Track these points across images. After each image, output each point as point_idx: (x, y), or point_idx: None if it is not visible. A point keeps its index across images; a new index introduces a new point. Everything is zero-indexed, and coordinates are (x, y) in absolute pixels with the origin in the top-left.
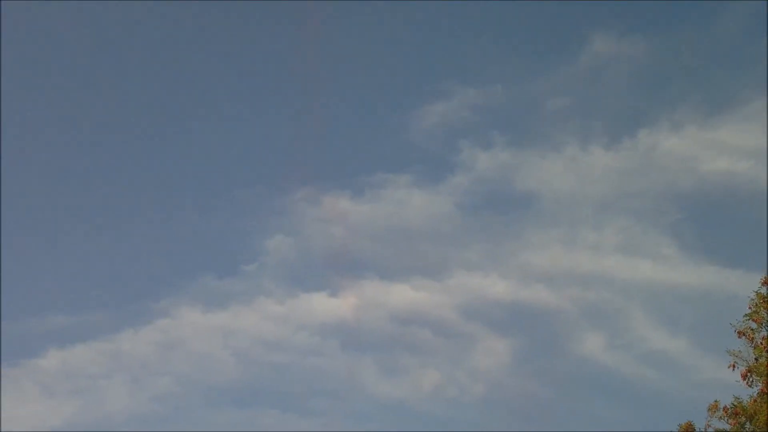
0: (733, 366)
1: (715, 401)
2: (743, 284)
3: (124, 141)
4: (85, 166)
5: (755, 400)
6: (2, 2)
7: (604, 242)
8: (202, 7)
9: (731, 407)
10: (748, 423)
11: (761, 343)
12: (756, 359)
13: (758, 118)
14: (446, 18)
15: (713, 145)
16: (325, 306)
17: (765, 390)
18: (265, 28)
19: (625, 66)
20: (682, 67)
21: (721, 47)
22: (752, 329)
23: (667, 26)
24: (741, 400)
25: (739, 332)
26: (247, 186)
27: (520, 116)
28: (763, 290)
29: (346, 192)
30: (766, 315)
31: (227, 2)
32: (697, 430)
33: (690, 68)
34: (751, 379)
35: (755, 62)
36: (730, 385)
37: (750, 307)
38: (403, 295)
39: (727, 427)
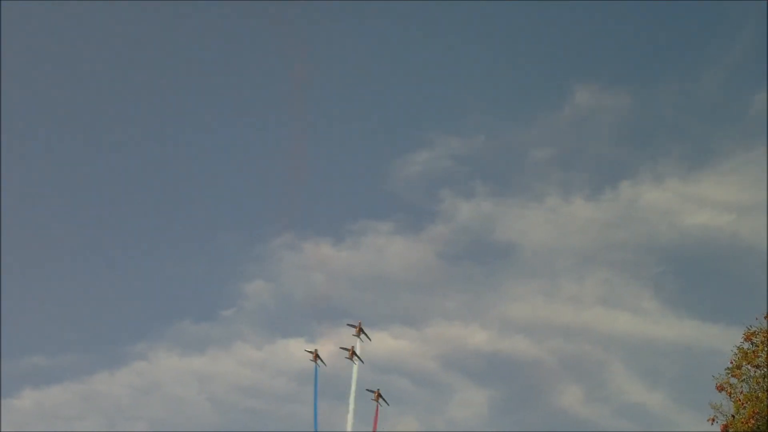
0: (713, 420)
1: None
2: (722, 338)
3: (102, 186)
4: (62, 212)
5: None
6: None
7: (585, 294)
8: (191, 52)
9: None
10: None
11: (740, 398)
12: (733, 416)
13: (739, 172)
14: (430, 67)
15: (694, 198)
16: (303, 353)
17: None
18: (247, 77)
19: (607, 118)
20: (665, 120)
21: (704, 101)
22: (731, 385)
23: (649, 80)
24: None
25: (718, 387)
26: (228, 231)
27: (503, 166)
28: (745, 345)
29: (326, 239)
30: (747, 370)
31: (211, 52)
32: None
33: (672, 121)
34: None
35: (737, 117)
36: None
37: (732, 362)
38: (382, 343)
39: None
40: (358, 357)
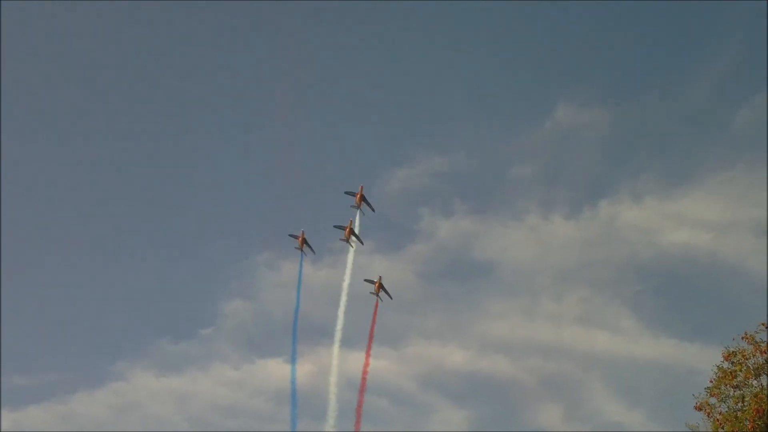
0: None
1: None
2: (701, 357)
3: (80, 206)
4: (36, 234)
5: None
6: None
7: (564, 313)
8: (177, 77)
9: None
10: None
11: (719, 418)
12: None
13: (719, 191)
14: (411, 84)
15: (674, 216)
16: (281, 372)
17: None
18: (230, 102)
19: (587, 136)
20: (645, 139)
21: (684, 120)
22: (710, 405)
23: (630, 97)
24: None
25: (697, 406)
26: (207, 251)
27: (483, 183)
28: (725, 365)
29: (304, 257)
30: (726, 390)
31: (196, 78)
32: None
33: (652, 140)
34: None
35: (717, 135)
36: None
37: (711, 381)
38: (361, 363)
39: None
40: (357, 237)
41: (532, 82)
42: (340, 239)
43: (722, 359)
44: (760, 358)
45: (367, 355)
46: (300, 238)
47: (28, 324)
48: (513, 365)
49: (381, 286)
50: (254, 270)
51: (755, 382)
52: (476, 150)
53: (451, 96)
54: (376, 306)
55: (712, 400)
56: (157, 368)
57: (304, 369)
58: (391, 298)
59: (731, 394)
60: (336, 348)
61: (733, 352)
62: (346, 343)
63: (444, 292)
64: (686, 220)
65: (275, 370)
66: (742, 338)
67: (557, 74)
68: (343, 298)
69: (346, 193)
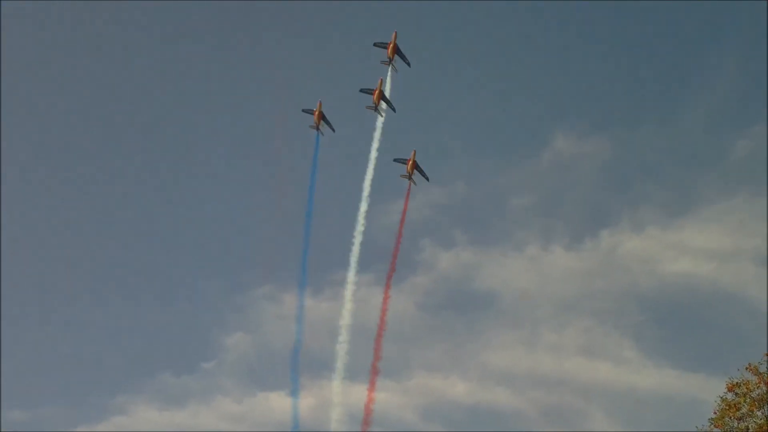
0: None
1: None
2: (704, 388)
3: (82, 236)
4: (39, 264)
5: None
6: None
7: (566, 343)
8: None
9: None
10: None
11: None
12: None
13: (720, 220)
14: (410, 115)
15: (675, 246)
16: (283, 405)
17: None
18: (224, 128)
19: (587, 165)
20: (645, 168)
21: (684, 148)
22: None
23: (629, 127)
24: None
25: None
26: (209, 283)
27: (483, 214)
28: (729, 396)
29: (305, 290)
30: (730, 422)
31: (184, 111)
32: None
33: (653, 169)
34: None
35: (717, 164)
36: None
37: (714, 412)
38: (363, 395)
39: None
40: (388, 102)
41: (531, 113)
42: (367, 107)
43: (726, 390)
44: (764, 390)
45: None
46: (316, 112)
47: (29, 357)
48: (515, 396)
49: (415, 165)
50: (255, 303)
51: (759, 413)
52: (476, 181)
53: (449, 126)
54: (408, 190)
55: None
56: (159, 402)
57: (306, 402)
58: (427, 179)
59: (735, 425)
60: (338, 382)
61: (737, 383)
62: (347, 374)
63: (445, 324)
64: (687, 249)
65: (277, 404)
66: (746, 369)
67: (556, 105)
68: (354, 253)
69: (376, 45)
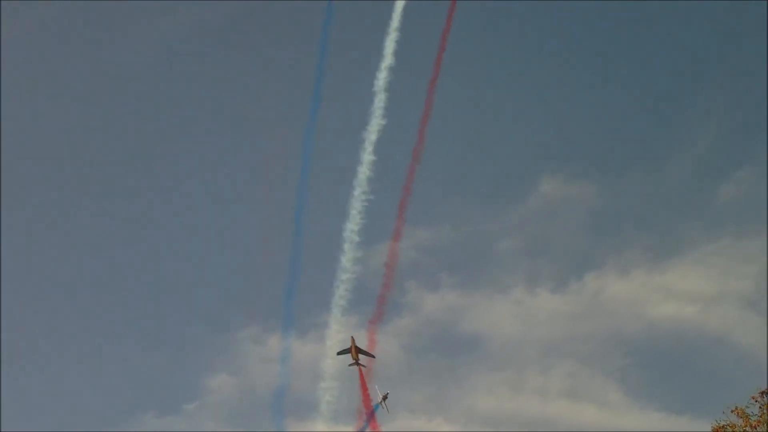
0: None
1: None
2: (690, 430)
3: (63, 272)
4: (18, 304)
5: None
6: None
7: (551, 386)
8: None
9: None
10: None
11: None
12: None
13: (705, 263)
14: (395, 156)
15: (660, 289)
16: None
17: None
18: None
19: (573, 209)
20: (630, 211)
21: (670, 192)
22: None
23: (615, 171)
24: None
25: None
26: (193, 324)
27: (469, 257)
28: None
29: (291, 332)
30: None
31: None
32: None
33: (638, 212)
34: None
35: (703, 207)
36: None
37: None
38: None
39: None
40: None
41: (518, 157)
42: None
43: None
44: None
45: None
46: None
47: (7, 395)
48: None
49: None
50: (239, 344)
51: None
52: (462, 224)
53: (435, 169)
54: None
55: None
56: None
57: None
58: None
59: None
60: (322, 424)
61: (722, 426)
62: (331, 416)
63: (430, 366)
64: (673, 293)
65: None
66: (732, 411)
67: (542, 149)
68: (339, 296)
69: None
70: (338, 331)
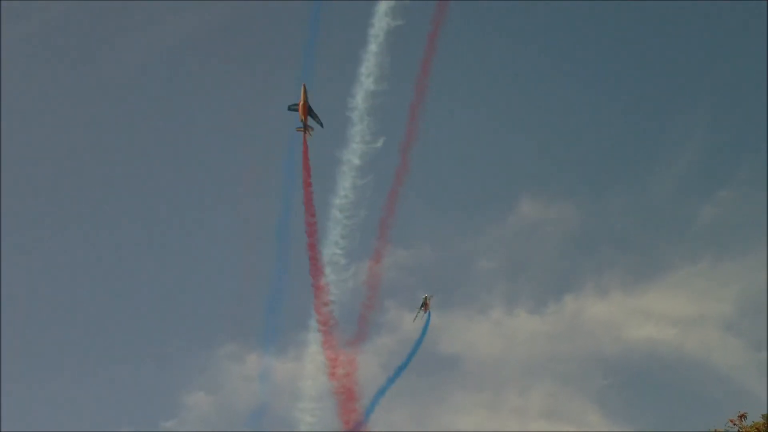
0: None
1: None
2: None
3: (42, 291)
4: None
5: None
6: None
7: (529, 407)
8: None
9: None
10: None
11: None
12: None
13: (684, 286)
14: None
15: (639, 311)
16: None
17: None
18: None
19: (553, 230)
20: (610, 233)
21: (650, 213)
22: None
23: (596, 193)
24: None
25: None
26: (171, 341)
27: (448, 277)
28: None
29: (270, 350)
30: None
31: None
32: None
33: (618, 235)
34: None
35: (683, 229)
36: None
37: None
38: None
39: None
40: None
41: (497, 177)
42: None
43: None
44: None
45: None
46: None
47: None
48: None
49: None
50: (218, 362)
51: None
52: (441, 244)
53: (415, 189)
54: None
55: None
56: None
57: None
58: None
59: None
60: None
61: None
62: None
63: (409, 386)
64: (651, 315)
65: None
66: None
67: (521, 168)
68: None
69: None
70: (318, 350)
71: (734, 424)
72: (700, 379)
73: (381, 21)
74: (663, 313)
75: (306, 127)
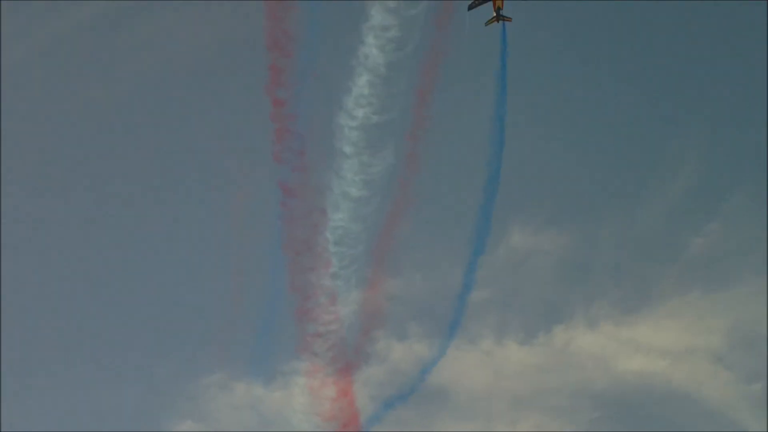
0: None
1: None
2: None
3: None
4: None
5: None
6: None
7: None
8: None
9: None
10: None
11: None
12: None
13: (675, 317)
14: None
15: (629, 343)
16: None
17: None
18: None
19: (542, 260)
20: (600, 264)
21: (639, 246)
22: None
23: (586, 222)
24: None
25: None
26: (158, 369)
27: (438, 307)
28: None
29: (258, 378)
30: None
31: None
32: None
33: (608, 265)
34: None
35: (673, 260)
36: None
37: None
38: None
39: None
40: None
41: (486, 206)
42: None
43: None
44: None
45: None
46: None
47: None
48: None
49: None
50: (205, 391)
51: None
52: (431, 274)
53: (405, 218)
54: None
55: None
56: None
57: None
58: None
59: None
60: None
61: None
62: None
63: (397, 417)
64: (641, 346)
65: None
66: None
67: (511, 199)
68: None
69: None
70: (308, 380)
71: None
72: (691, 412)
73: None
74: (653, 345)
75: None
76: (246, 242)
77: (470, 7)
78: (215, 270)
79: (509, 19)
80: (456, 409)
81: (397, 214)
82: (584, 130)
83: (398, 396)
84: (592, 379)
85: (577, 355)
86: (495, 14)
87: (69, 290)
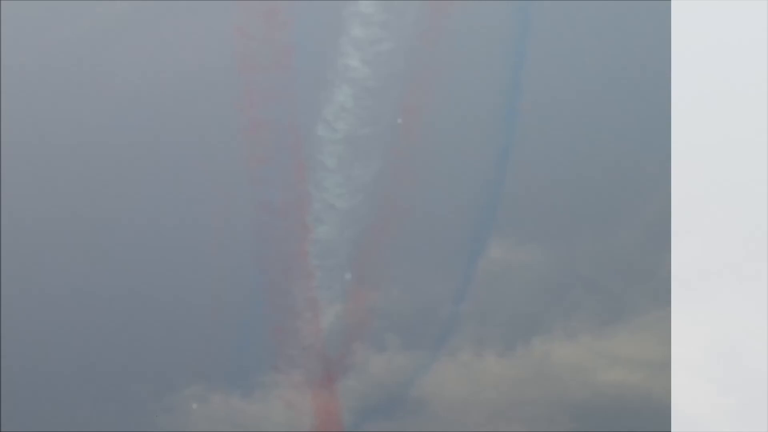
0: None
1: None
2: None
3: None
4: None
5: None
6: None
7: None
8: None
9: None
10: None
11: None
12: None
13: (654, 329)
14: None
15: (607, 354)
16: None
17: None
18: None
19: (521, 273)
20: (579, 276)
21: (618, 258)
22: None
23: (565, 235)
24: None
25: None
26: (134, 381)
27: (416, 319)
28: None
29: (236, 391)
30: None
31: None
32: None
33: (587, 277)
34: None
35: (653, 272)
36: None
37: None
38: None
39: None
40: None
41: (466, 219)
42: None
43: None
44: None
45: None
46: None
47: None
48: None
49: None
50: (182, 404)
51: None
52: (411, 286)
53: (384, 231)
54: None
55: None
56: None
57: None
58: None
59: None
60: None
61: None
62: None
63: (376, 429)
64: (619, 358)
65: None
66: None
67: (488, 211)
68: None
69: None
70: (286, 391)
71: None
72: (669, 424)
73: None
74: (631, 357)
75: None
76: (225, 253)
77: None
78: (194, 279)
79: None
80: (433, 420)
81: (380, 228)
82: (562, 144)
83: (379, 408)
84: (570, 390)
85: (556, 366)
86: None
87: (39, 301)
